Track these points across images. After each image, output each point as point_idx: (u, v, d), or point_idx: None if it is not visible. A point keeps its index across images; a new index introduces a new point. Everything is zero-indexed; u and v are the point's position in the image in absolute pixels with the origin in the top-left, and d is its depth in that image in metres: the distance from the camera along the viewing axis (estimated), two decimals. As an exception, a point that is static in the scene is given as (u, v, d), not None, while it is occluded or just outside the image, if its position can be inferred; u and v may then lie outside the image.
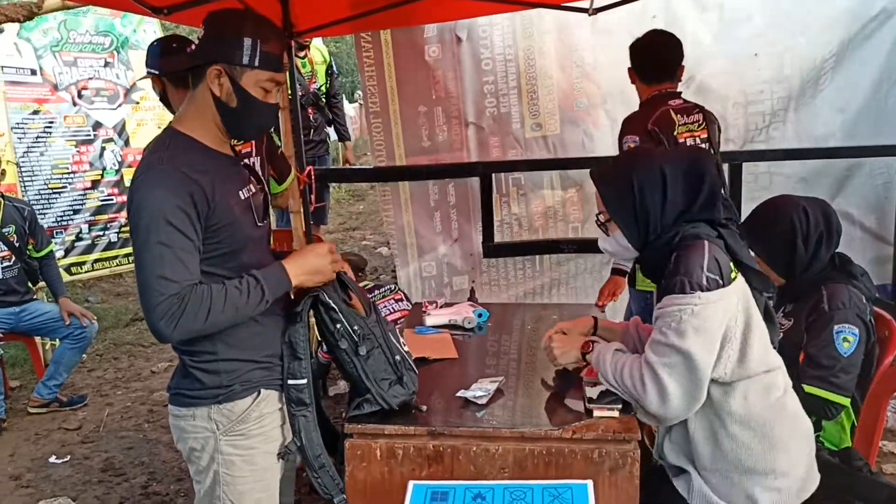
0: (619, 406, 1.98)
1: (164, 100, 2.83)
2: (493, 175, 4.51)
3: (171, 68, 2.30)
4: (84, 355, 4.99)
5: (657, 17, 4.36)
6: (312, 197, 4.41)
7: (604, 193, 2.07)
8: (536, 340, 2.62)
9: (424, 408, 2.08)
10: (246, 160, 2.23)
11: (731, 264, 1.93)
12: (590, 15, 3.98)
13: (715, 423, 1.98)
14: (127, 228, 6.16)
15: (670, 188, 1.96)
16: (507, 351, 2.59)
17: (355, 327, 1.93)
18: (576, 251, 4.61)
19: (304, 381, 1.92)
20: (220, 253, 1.80)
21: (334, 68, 6.17)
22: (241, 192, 1.88)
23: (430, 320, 2.73)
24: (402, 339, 2.10)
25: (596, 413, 1.98)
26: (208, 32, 1.78)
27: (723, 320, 1.87)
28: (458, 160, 4.56)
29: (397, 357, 2.00)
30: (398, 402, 2.00)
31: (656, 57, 3.36)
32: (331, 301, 1.95)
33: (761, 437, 1.96)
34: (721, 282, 1.86)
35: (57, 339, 4.71)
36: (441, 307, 2.87)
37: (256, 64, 1.77)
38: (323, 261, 1.91)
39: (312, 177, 4.40)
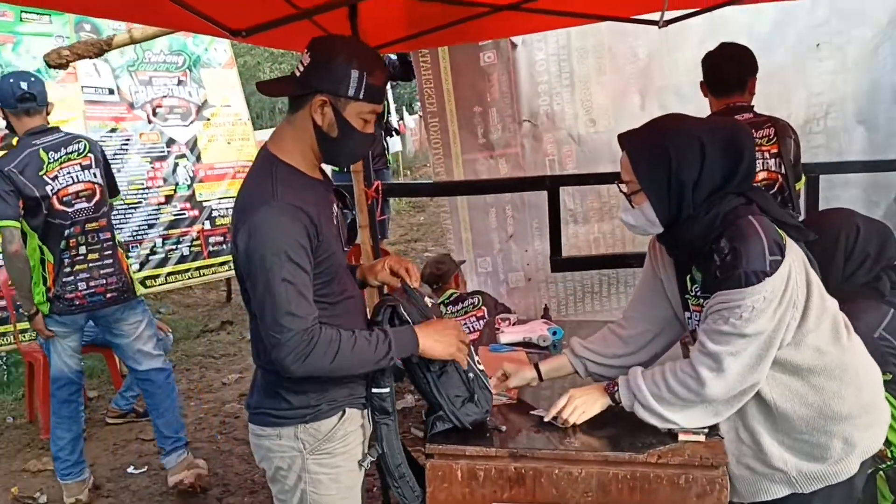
0: (706, 430, 1.95)
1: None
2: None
3: (275, 94, 2.22)
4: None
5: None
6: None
7: (635, 161, 1.92)
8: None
9: (504, 428, 2.07)
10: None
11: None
12: (660, 28, 3.91)
13: (795, 384, 1.91)
14: (198, 242, 6.34)
15: (708, 162, 1.85)
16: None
17: None
18: (637, 265, 4.54)
19: (387, 389, 1.95)
20: (321, 282, 1.82)
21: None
22: (333, 218, 1.91)
23: (504, 337, 2.72)
24: (476, 357, 2.10)
25: (681, 437, 1.94)
26: (316, 60, 1.78)
27: (788, 291, 1.80)
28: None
29: (471, 374, 2.00)
30: (471, 420, 2.00)
31: (726, 70, 3.31)
32: (406, 314, 1.96)
33: (847, 381, 1.91)
34: (781, 258, 1.79)
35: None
36: (514, 324, 2.86)
37: (361, 97, 1.78)
38: (454, 336, 1.93)
39: (380, 191, 4.46)
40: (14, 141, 3.79)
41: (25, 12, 5.23)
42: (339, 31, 3.77)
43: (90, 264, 3.66)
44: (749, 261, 1.77)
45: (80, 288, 3.62)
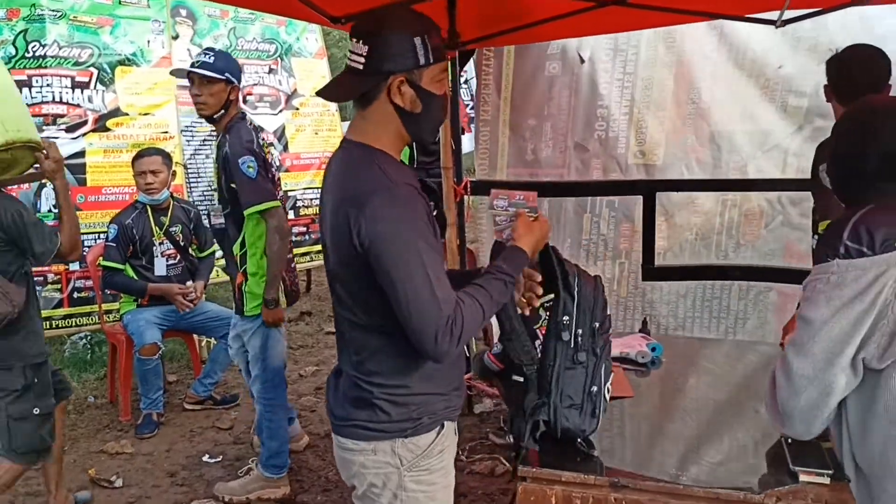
0: (830, 472, 1.75)
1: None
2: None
3: (347, 97, 1.97)
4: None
5: (783, 67, 4.31)
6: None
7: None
8: (726, 384, 2.40)
9: (596, 452, 1.92)
10: None
11: None
12: (777, 27, 3.68)
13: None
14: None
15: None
16: (690, 392, 2.38)
17: (596, 324, 1.93)
18: (740, 278, 4.33)
19: None
20: None
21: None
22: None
23: (601, 353, 2.56)
24: (610, 375, 2.00)
25: (802, 478, 1.75)
26: (374, 44, 1.67)
27: (867, 290, 1.50)
28: (559, 178, 4.52)
29: (594, 388, 1.87)
30: (566, 427, 1.90)
31: (858, 73, 3.04)
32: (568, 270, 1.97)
33: None
34: (866, 250, 1.56)
35: (213, 338, 4.85)
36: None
37: (431, 60, 1.68)
38: (543, 230, 1.87)
39: (468, 189, 4.35)
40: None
41: (125, -4, 5.29)
42: (439, 23, 3.71)
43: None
44: (826, 238, 1.63)
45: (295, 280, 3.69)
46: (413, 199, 1.65)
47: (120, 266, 4.49)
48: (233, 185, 3.31)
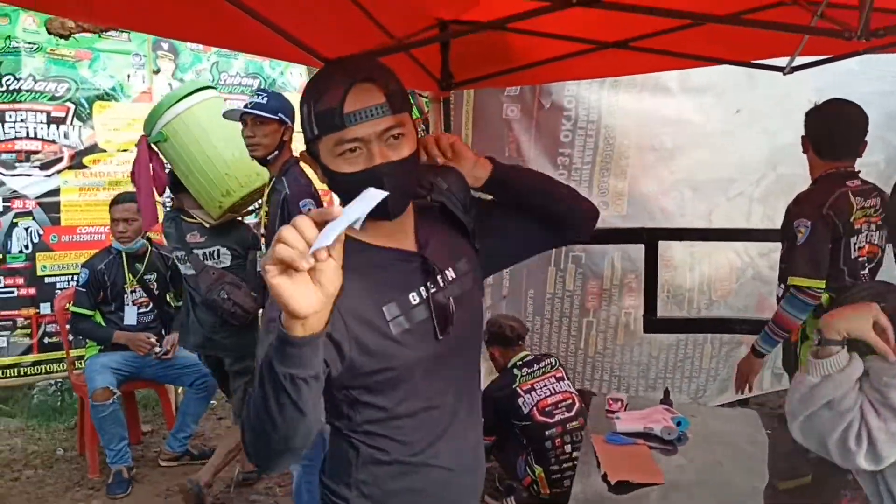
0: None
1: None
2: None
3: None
4: (213, 401, 4.87)
5: (741, 112, 4.34)
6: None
7: None
8: (760, 462, 2.21)
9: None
10: None
11: None
12: (785, 74, 3.56)
13: None
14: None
15: None
16: (729, 479, 2.17)
17: None
18: (749, 332, 4.17)
19: None
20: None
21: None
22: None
23: (621, 426, 2.37)
24: None
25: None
26: None
27: None
28: None
29: None
30: None
31: (839, 131, 3.03)
32: None
33: None
34: None
35: (182, 387, 4.59)
36: (625, 407, 2.51)
37: (316, 132, 1.38)
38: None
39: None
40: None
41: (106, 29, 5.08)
42: (432, 63, 3.56)
43: None
44: None
45: None
46: None
47: (88, 312, 4.27)
48: None
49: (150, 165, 3.74)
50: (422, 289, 1.48)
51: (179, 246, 3.85)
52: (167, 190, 4.02)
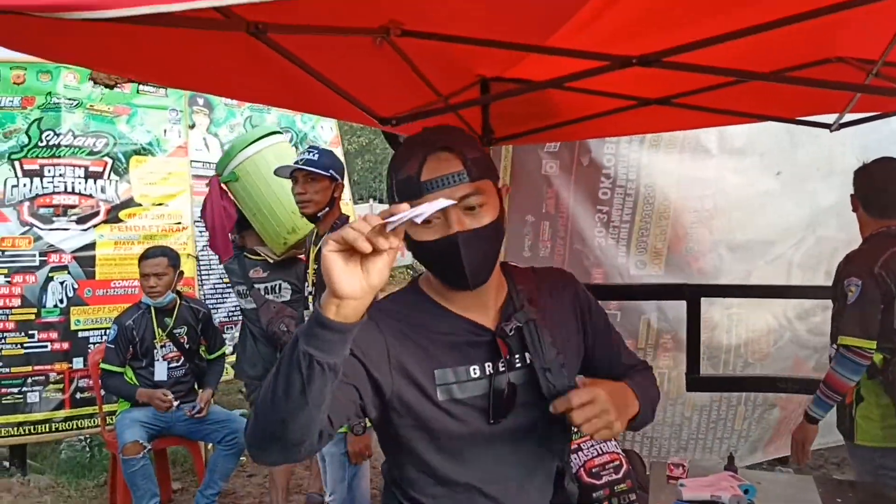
0: None
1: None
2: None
3: None
4: (243, 458, 4.79)
5: (781, 173, 4.29)
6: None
7: None
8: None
9: None
10: None
11: None
12: (832, 131, 3.54)
13: None
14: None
15: None
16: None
17: None
18: (793, 391, 4.08)
19: None
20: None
21: None
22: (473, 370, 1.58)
23: (687, 494, 2.28)
24: None
25: None
26: None
27: None
28: None
29: None
30: None
31: (888, 189, 3.00)
32: None
33: None
34: None
35: (211, 444, 4.51)
36: (686, 472, 2.43)
37: (396, 199, 1.40)
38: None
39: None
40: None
41: (144, 85, 5.15)
42: (475, 122, 3.57)
43: None
44: None
45: None
46: None
47: (118, 369, 4.20)
48: None
49: (222, 204, 3.99)
50: (487, 364, 1.46)
51: (242, 281, 4.00)
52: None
